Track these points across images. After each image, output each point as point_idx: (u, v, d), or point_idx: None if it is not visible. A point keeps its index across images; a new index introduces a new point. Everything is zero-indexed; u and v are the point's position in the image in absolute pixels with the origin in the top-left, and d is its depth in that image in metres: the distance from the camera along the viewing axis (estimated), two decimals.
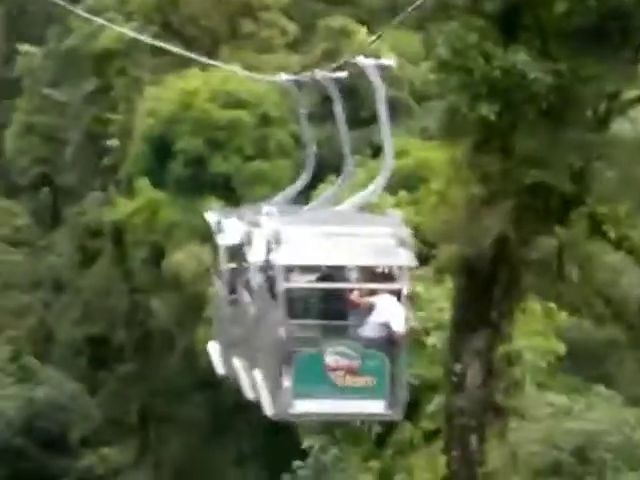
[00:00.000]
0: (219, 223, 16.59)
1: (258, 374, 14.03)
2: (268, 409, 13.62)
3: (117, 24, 50.58)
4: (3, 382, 52.30)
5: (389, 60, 14.07)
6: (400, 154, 38.65)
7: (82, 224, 54.72)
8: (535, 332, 29.92)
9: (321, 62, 46.67)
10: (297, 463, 33.67)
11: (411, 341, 15.22)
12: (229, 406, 43.93)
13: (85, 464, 50.58)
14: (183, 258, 44.16)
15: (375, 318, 13.49)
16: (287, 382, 13.25)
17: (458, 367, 24.25)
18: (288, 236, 13.30)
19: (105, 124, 52.33)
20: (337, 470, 31.38)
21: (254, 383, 14.25)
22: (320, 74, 15.05)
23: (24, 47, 59.40)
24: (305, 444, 32.13)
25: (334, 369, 13.39)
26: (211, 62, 34.33)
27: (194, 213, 41.41)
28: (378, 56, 14.84)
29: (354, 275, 13.88)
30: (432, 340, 29.68)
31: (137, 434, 51.85)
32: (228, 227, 16.15)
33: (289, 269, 13.40)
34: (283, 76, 16.38)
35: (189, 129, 44.23)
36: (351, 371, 13.32)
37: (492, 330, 24.37)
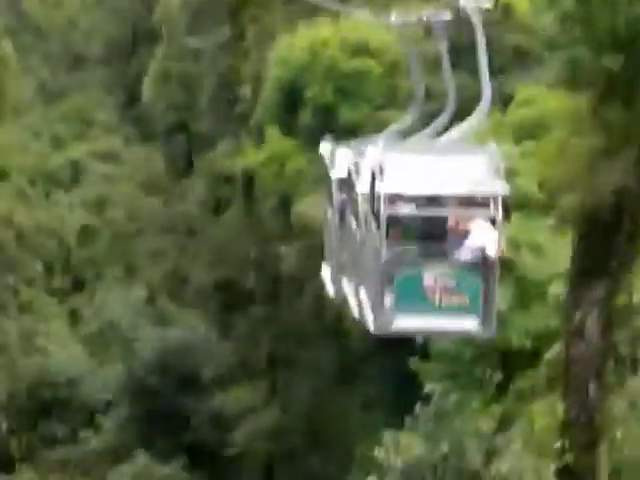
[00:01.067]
0: (332, 155, 17.80)
1: (363, 293, 15.25)
2: (371, 325, 14.98)
3: None
4: (139, 323, 53.75)
5: (488, 2, 15.00)
6: (525, 103, 38.70)
7: (214, 171, 55.79)
8: None
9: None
10: (419, 407, 34.12)
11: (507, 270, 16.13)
12: (356, 352, 44.73)
13: (216, 404, 51.37)
14: (310, 207, 43.89)
15: (470, 242, 14.74)
16: (388, 300, 14.34)
17: (577, 315, 24.40)
18: (391, 165, 14.40)
19: (238, 72, 53.04)
20: (458, 414, 31.89)
21: (359, 302, 15.44)
22: (427, 15, 16.21)
23: None
24: (427, 389, 32.29)
25: (432, 289, 14.34)
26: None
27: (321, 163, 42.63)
28: None
29: (452, 202, 14.83)
30: (554, 289, 30.34)
31: (266, 376, 52.40)
32: (339, 158, 17.37)
33: (392, 196, 14.41)
34: (393, 17, 17.51)
35: (319, 78, 44.50)
36: (447, 290, 14.57)
37: (612, 279, 24.37)
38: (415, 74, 19.00)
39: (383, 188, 14.38)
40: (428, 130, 17.80)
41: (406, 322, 14.96)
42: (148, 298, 55.91)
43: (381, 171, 14.53)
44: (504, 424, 30.42)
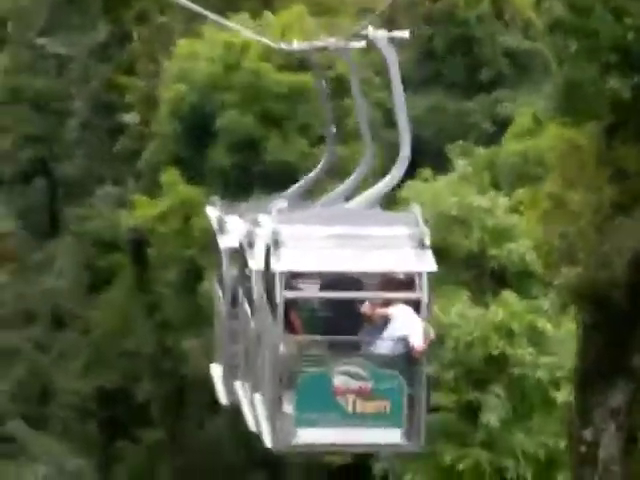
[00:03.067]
0: (221, 220, 19.62)
1: (258, 399, 16.97)
2: (268, 440, 16.50)
3: None
4: None
5: (403, 32, 16.91)
6: (520, 135, 40.94)
7: (90, 232, 56.41)
8: None
9: (418, 1, 49.44)
10: None
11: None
12: None
13: None
14: None
15: (391, 332, 16.10)
16: (289, 408, 16.14)
17: (588, 433, 26.02)
18: (290, 238, 16.19)
19: (121, 90, 53.93)
20: None
21: (255, 410, 17.16)
22: (335, 44, 18.11)
23: None
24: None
25: (343, 392, 16.09)
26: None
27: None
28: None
29: (366, 283, 16.67)
30: (563, 395, 32.43)
31: None
32: (230, 223, 19.17)
33: (291, 276, 16.24)
34: (295, 45, 19.40)
35: (236, 99, 45.44)
36: (362, 394, 16.09)
37: (634, 383, 26.09)
38: (326, 112, 20.65)
39: (279, 266, 16.08)
40: (341, 188, 19.41)
41: (312, 435, 16.06)
42: None
43: (277, 244, 16.22)
44: None
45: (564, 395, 31.94)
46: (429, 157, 45.80)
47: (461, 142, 45.85)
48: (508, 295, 34.56)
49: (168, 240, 47.58)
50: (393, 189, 19.71)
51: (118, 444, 55.12)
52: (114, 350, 55.21)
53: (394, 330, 16.19)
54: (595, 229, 25.75)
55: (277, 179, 45.23)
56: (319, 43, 18.74)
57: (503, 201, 38.47)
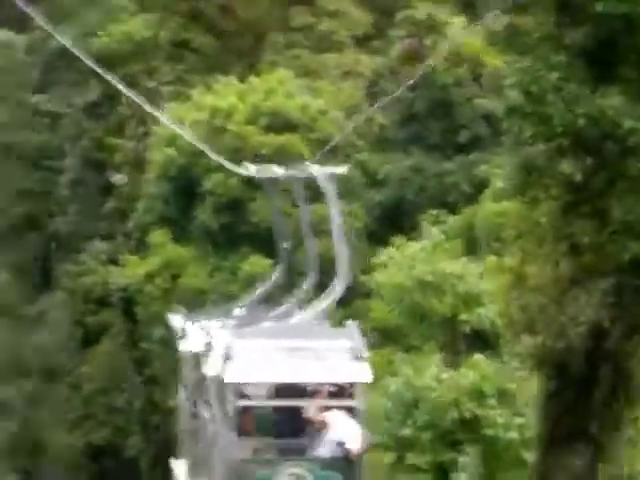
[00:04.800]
0: (183, 329, 20.92)
1: None
2: None
3: (127, 14, 54.48)
4: None
5: (342, 169, 18.31)
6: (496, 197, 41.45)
7: (81, 288, 56.89)
8: None
9: (399, 66, 50.09)
10: None
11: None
12: None
13: None
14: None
15: (330, 436, 17.74)
16: None
17: None
18: (242, 350, 17.64)
19: (110, 150, 54.74)
20: None
21: None
22: (284, 175, 19.51)
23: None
24: None
25: None
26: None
27: (229, 276, 44.48)
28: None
29: (309, 391, 18.12)
30: (533, 455, 32.74)
31: None
32: (192, 334, 20.42)
33: (241, 385, 17.63)
34: (251, 168, 20.67)
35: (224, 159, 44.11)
36: None
37: (593, 447, 26.29)
38: (278, 228, 21.45)
39: (229, 377, 17.70)
40: (290, 303, 20.75)
41: None
42: None
43: (228, 358, 17.80)
44: None
45: (533, 454, 32.18)
46: (410, 215, 46.58)
47: (434, 211, 44.95)
48: (479, 358, 34.74)
49: (155, 298, 47.73)
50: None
51: None
52: (104, 405, 55.46)
53: (333, 435, 17.79)
54: (553, 301, 25.94)
55: (263, 239, 44.70)
56: (272, 172, 20.09)
57: (474, 267, 38.89)
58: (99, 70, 47.59)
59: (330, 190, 18.95)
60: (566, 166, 24.57)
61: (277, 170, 20.70)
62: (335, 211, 18.97)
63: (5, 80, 64.16)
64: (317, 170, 19.24)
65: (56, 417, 58.87)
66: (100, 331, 57.43)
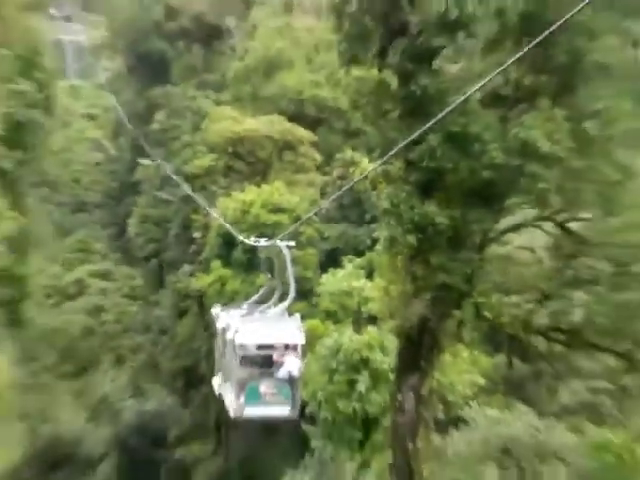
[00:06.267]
0: (217, 314, 21.02)
1: (229, 394, 18.62)
2: (232, 412, 18.28)
3: (201, 153, 54.07)
4: (124, 397, 54.31)
5: (292, 243, 18.47)
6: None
7: (178, 288, 56.24)
8: (463, 370, 33.04)
9: (337, 182, 49.90)
10: (308, 457, 35.92)
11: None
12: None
13: (178, 455, 52.49)
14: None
15: (285, 368, 18.10)
16: (242, 398, 18.01)
17: (399, 396, 26.18)
18: (242, 327, 18.21)
19: (193, 220, 54.41)
20: (333, 462, 33.90)
21: (229, 399, 18.69)
22: (265, 243, 19.45)
23: (144, 161, 61.66)
24: (313, 444, 34.78)
25: (264, 393, 17.99)
26: None
27: (250, 284, 43.50)
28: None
29: (276, 347, 18.35)
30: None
31: (214, 435, 52.57)
32: (221, 316, 20.52)
33: (243, 344, 18.13)
34: (251, 239, 20.52)
35: (246, 227, 44.44)
36: (273, 394, 18.10)
37: (420, 373, 26.28)
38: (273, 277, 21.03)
39: (237, 340, 18.05)
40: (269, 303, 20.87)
41: (251, 411, 18.04)
42: (131, 379, 56.05)
43: (237, 330, 18.26)
44: (363, 467, 32.91)
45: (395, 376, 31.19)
46: (340, 257, 46.38)
47: (351, 256, 45.12)
48: (371, 329, 34.00)
49: (212, 296, 46.14)
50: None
51: (190, 393, 54.11)
52: (188, 348, 54.11)
53: (286, 367, 18.14)
54: (403, 304, 25.60)
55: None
56: (260, 242, 19.86)
57: (369, 284, 38.11)
58: (186, 188, 48.79)
59: (286, 252, 19.07)
60: (409, 238, 24.20)
61: (262, 241, 20.65)
62: (289, 261, 19.04)
63: (147, 184, 63.03)
64: (280, 242, 19.41)
65: (165, 352, 58.14)
66: (186, 310, 56.06)
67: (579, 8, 8.62)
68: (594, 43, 22.61)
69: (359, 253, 45.83)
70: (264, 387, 18.13)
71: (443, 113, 16.39)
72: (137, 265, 64.82)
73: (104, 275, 63.00)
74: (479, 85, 17.75)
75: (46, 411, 49.05)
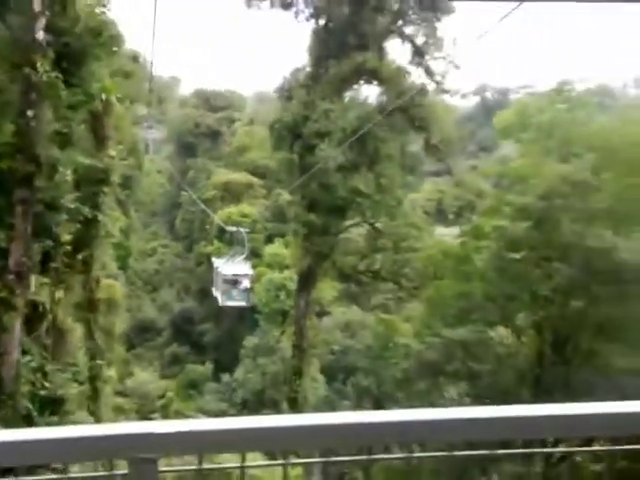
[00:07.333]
0: (214, 262, 31.14)
1: (218, 295, 28.94)
2: (220, 303, 28.47)
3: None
4: None
5: (247, 229, 26.42)
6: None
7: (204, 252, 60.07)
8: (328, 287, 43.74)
9: None
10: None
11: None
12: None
13: None
14: None
15: (243, 284, 27.81)
16: (224, 298, 27.84)
17: (300, 302, 38.36)
18: (224, 267, 28.34)
19: None
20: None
21: (219, 298, 28.78)
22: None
23: None
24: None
25: (234, 295, 27.43)
26: None
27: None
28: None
29: (239, 274, 27.68)
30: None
31: None
32: (215, 263, 30.44)
33: (223, 274, 28.26)
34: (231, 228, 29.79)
35: None
36: (237, 296, 27.55)
37: (308, 291, 35.64)
38: None
39: (222, 272, 26.78)
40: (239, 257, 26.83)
41: (228, 303, 27.36)
42: None
43: (221, 270, 26.67)
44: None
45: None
46: (273, 238, 57.75)
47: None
48: (286, 271, 47.96)
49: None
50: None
51: None
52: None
53: (244, 284, 27.24)
54: (299, 260, 36.43)
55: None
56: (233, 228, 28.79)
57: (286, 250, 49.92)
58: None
59: (244, 233, 26.04)
60: (302, 231, 34.70)
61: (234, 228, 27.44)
62: (245, 238, 25.96)
63: None
64: (242, 229, 25.81)
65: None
66: (202, 262, 62.14)
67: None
68: None
69: (282, 235, 55.24)
70: (234, 293, 26.39)
71: None
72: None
73: None
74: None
75: None
